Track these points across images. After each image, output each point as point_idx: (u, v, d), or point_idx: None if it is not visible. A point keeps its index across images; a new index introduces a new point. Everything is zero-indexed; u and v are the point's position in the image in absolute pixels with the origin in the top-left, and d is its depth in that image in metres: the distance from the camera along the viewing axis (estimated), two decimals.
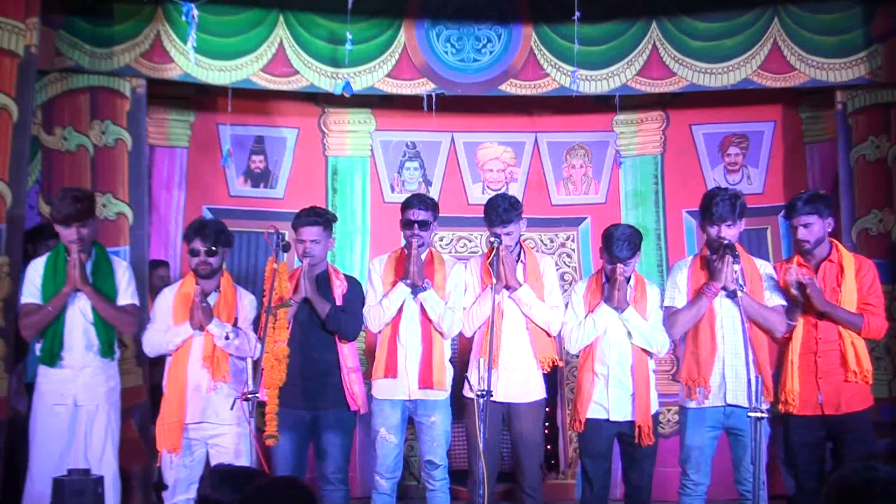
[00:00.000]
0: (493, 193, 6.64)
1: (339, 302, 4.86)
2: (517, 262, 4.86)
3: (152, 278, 5.89)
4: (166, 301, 4.74)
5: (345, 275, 5.03)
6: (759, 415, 3.92)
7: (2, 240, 4.61)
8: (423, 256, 4.91)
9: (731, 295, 4.41)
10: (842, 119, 5.85)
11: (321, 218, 4.86)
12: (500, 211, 4.76)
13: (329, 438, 4.81)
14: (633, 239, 4.63)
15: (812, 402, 4.52)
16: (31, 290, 4.57)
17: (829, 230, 4.63)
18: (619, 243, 4.57)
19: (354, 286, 5.01)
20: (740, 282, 4.31)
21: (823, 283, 4.51)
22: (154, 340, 4.71)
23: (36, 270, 4.59)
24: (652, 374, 4.73)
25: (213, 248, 4.63)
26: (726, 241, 4.45)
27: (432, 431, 4.86)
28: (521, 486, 4.85)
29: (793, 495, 4.80)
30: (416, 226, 4.84)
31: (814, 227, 4.53)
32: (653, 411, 4.65)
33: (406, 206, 4.94)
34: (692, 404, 4.55)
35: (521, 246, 4.96)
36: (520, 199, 5.04)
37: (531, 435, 4.83)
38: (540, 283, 4.89)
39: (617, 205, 6.69)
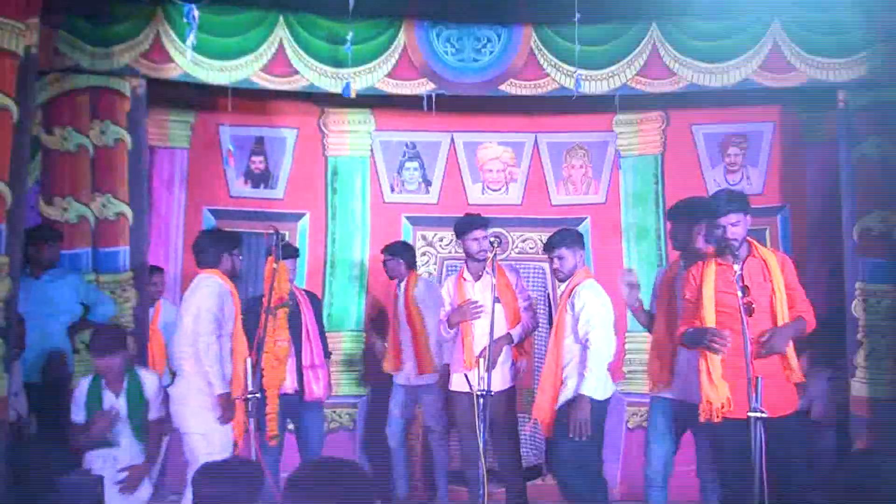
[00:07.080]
0: (493, 193, 6.71)
1: None
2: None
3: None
4: None
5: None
6: (758, 414, 3.93)
7: (2, 240, 4.60)
8: None
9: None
10: (842, 119, 5.84)
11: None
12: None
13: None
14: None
15: (745, 406, 4.06)
16: None
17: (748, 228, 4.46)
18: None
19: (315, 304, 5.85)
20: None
21: (751, 280, 4.25)
22: None
23: None
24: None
25: None
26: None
27: None
28: None
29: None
30: None
31: (741, 225, 4.35)
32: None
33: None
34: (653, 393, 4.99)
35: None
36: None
37: None
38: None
39: (617, 205, 6.70)
